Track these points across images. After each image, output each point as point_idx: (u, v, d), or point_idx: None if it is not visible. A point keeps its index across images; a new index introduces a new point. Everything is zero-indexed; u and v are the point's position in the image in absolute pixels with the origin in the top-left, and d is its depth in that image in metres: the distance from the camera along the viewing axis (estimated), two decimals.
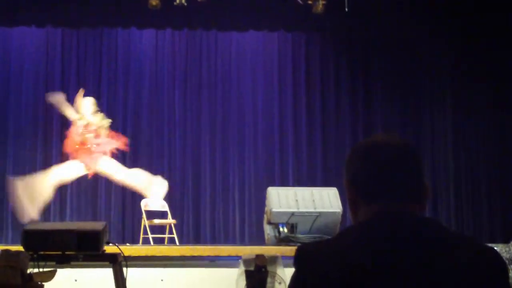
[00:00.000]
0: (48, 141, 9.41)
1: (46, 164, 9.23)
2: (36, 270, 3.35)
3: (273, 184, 8.39)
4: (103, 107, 9.49)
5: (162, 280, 5.13)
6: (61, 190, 9.24)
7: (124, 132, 9.46)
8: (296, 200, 6.28)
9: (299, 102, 9.76)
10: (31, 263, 3.39)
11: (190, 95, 9.69)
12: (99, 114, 8.12)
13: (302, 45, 9.89)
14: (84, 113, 7.97)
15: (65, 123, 9.18)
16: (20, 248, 3.59)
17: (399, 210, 1.67)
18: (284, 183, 9.22)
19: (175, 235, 8.42)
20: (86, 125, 7.94)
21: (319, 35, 9.89)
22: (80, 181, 9.27)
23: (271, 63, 9.83)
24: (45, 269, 3.36)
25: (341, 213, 6.22)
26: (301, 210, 6.17)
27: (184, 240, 8.93)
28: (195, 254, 5.29)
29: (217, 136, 9.63)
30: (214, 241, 9.17)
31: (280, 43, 9.88)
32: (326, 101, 9.80)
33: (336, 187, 6.60)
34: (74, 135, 7.93)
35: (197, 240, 9.22)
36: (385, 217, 1.66)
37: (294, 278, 1.69)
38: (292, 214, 6.11)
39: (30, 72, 9.52)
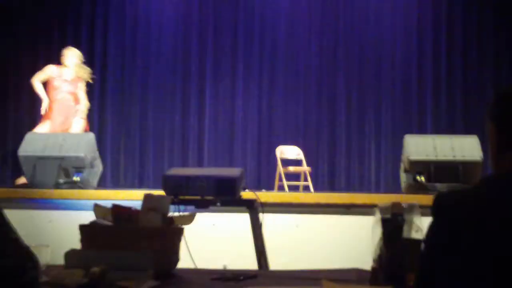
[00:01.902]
0: (187, 93, 9.66)
1: (184, 111, 9.53)
2: (176, 213, 3.45)
3: (411, 132, 8.21)
4: (239, 57, 9.62)
5: (297, 226, 5.18)
6: (199, 137, 9.53)
7: (260, 79, 9.57)
8: (435, 148, 6.11)
9: (439, 48, 9.44)
10: (172, 207, 3.50)
11: (326, 44, 9.60)
12: (83, 66, 7.97)
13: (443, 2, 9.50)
14: (69, 64, 7.86)
15: (203, 83, 9.42)
16: (161, 192, 3.71)
17: None
18: (422, 130, 9.00)
19: (310, 183, 8.48)
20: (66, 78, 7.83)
21: None
22: (217, 129, 9.51)
23: (411, 10, 9.54)
24: (185, 213, 3.46)
25: (481, 162, 5.99)
26: (439, 158, 6.01)
27: (318, 187, 8.97)
28: (330, 201, 5.29)
29: (353, 84, 9.51)
30: (349, 188, 9.15)
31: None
32: (467, 47, 9.39)
33: (477, 135, 6.36)
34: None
35: (332, 187, 9.23)
36: None
37: (432, 227, 1.65)
38: (430, 162, 5.96)
39: (169, 28, 9.74)
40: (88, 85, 8.33)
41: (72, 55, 7.84)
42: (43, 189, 5.91)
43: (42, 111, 7.78)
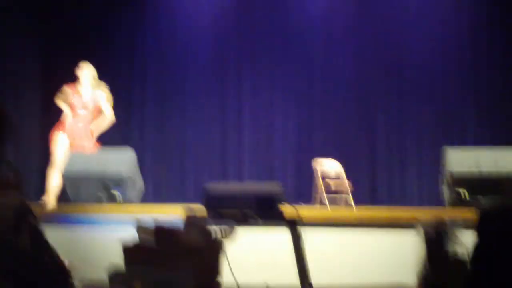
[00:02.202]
0: (225, 104, 9.69)
1: (223, 123, 9.58)
2: (216, 229, 3.46)
3: (452, 143, 8.10)
4: (277, 70, 9.63)
5: (338, 241, 5.14)
6: (239, 150, 9.55)
7: (298, 92, 9.55)
8: (477, 160, 6.03)
9: (480, 58, 9.30)
10: (212, 222, 3.51)
11: (365, 55, 9.53)
12: (98, 81, 7.82)
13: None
14: (84, 80, 7.73)
15: (241, 96, 9.45)
16: (201, 207, 3.72)
17: None
18: (463, 142, 8.88)
19: (350, 196, 8.41)
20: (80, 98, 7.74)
21: None
22: (256, 142, 9.51)
23: (449, 19, 9.42)
24: (225, 228, 3.46)
25: None
26: (482, 170, 5.92)
27: (359, 201, 8.89)
28: (372, 216, 5.24)
29: (392, 95, 9.44)
30: (390, 202, 9.05)
31: None
32: (508, 54, 9.25)
33: None
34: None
35: (373, 201, 9.15)
36: None
37: (475, 241, 1.62)
38: (473, 175, 5.88)
39: (206, 36, 9.80)
40: (125, 102, 8.33)
41: (86, 71, 7.78)
42: (85, 205, 5.97)
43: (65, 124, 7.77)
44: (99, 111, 7.83)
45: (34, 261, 1.59)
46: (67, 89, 7.80)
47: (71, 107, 7.73)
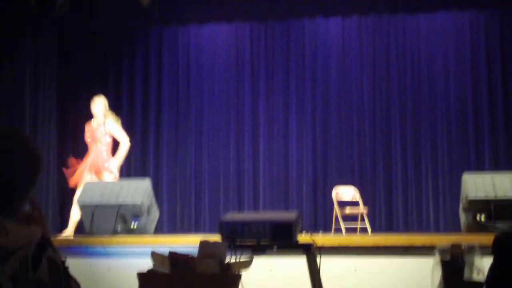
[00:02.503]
0: (240, 135, 9.72)
1: (239, 152, 9.60)
2: (233, 259, 3.45)
3: (468, 169, 8.06)
4: (292, 99, 9.67)
5: (355, 270, 5.11)
6: (254, 180, 9.55)
7: (313, 120, 9.57)
8: (494, 186, 5.99)
9: (494, 81, 9.27)
10: (229, 252, 3.51)
11: (379, 82, 9.55)
12: (109, 112, 7.86)
13: (496, 23, 9.38)
14: (96, 113, 7.79)
15: (257, 126, 9.48)
16: (216, 237, 3.72)
17: None
18: (479, 167, 8.83)
19: (367, 224, 8.37)
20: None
21: None
22: (272, 172, 9.51)
23: (463, 44, 9.42)
24: (242, 259, 3.46)
25: None
26: (499, 196, 5.88)
27: (376, 228, 8.85)
28: (388, 243, 5.21)
29: (407, 121, 9.42)
30: (407, 229, 9.00)
31: (472, 22, 9.44)
32: None
33: None
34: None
35: (390, 228, 9.10)
36: None
37: (492, 267, 1.61)
38: (489, 201, 5.85)
39: (221, 68, 9.88)
40: (142, 131, 8.33)
41: (98, 104, 7.85)
42: (102, 236, 5.98)
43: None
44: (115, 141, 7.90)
45: None
46: (87, 127, 7.88)
47: (88, 142, 7.81)
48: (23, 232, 1.65)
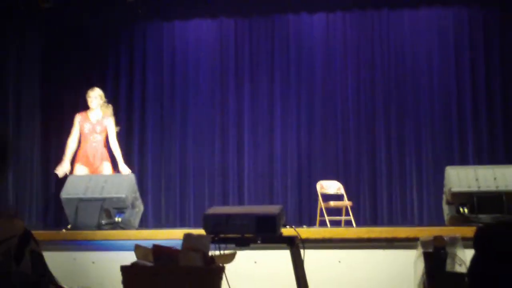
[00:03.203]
0: (225, 129, 9.72)
1: (223, 147, 9.61)
2: (217, 252, 3.46)
3: (452, 163, 8.11)
4: (277, 94, 9.68)
5: (339, 262, 5.13)
6: (239, 174, 9.56)
7: (298, 115, 9.59)
8: (477, 179, 6.03)
9: (477, 77, 9.33)
10: (213, 245, 3.51)
11: (363, 78, 9.58)
12: (106, 105, 7.94)
13: (480, 19, 9.43)
14: (94, 105, 7.84)
15: (241, 120, 9.49)
16: (201, 231, 3.73)
17: None
18: (463, 162, 8.89)
19: (351, 217, 8.42)
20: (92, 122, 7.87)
21: (497, 9, 9.36)
22: (256, 165, 9.53)
23: (447, 40, 9.47)
24: (226, 252, 3.46)
25: None
26: (482, 189, 5.92)
27: (360, 222, 8.90)
28: (372, 236, 5.24)
29: (392, 116, 9.46)
30: (391, 222, 9.05)
31: (456, 18, 9.49)
32: (506, 75, 9.28)
33: None
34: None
35: (374, 222, 9.15)
36: None
37: (474, 259, 1.62)
38: (472, 193, 5.89)
39: (206, 63, 9.87)
40: (126, 125, 8.37)
41: (95, 96, 7.88)
42: (86, 230, 5.97)
43: (57, 171, 7.77)
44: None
45: (34, 284, 1.64)
46: (78, 116, 7.90)
47: (83, 133, 7.83)
48: (5, 226, 1.65)
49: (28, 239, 1.67)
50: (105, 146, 7.91)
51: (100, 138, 7.86)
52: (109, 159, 7.86)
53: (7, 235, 1.63)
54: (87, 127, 7.83)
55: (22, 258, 1.62)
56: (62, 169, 7.68)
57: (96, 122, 7.84)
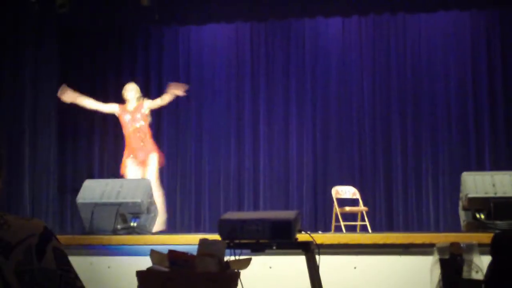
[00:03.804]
0: (241, 134, 9.72)
1: (239, 152, 9.62)
2: (232, 258, 3.46)
3: (469, 168, 8.06)
4: (292, 98, 9.68)
5: (354, 268, 5.11)
6: (254, 180, 9.55)
7: (314, 120, 9.58)
8: (493, 185, 5.99)
9: (495, 83, 9.27)
10: (228, 251, 3.51)
11: (379, 82, 9.56)
12: (142, 98, 8.12)
13: (496, 24, 9.37)
14: (130, 98, 8.04)
15: (257, 125, 9.51)
16: (216, 236, 3.72)
17: None
18: (480, 167, 8.83)
19: (367, 223, 8.39)
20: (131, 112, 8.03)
21: None
22: (272, 170, 9.52)
23: (464, 45, 9.43)
24: (241, 257, 3.46)
25: None
26: (498, 195, 5.88)
27: (376, 227, 8.86)
28: (388, 241, 5.21)
29: (408, 121, 9.42)
30: (407, 228, 9.00)
31: (473, 22, 9.44)
32: None
33: None
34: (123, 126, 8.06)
35: (390, 227, 9.11)
36: None
37: (491, 266, 1.61)
38: (489, 199, 5.85)
39: (221, 68, 9.89)
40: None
41: (131, 89, 8.08)
42: (102, 235, 5.98)
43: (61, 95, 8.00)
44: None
45: (60, 279, 1.65)
46: (114, 105, 8.12)
47: (124, 124, 8.02)
48: (25, 224, 1.66)
49: (50, 236, 1.68)
50: (148, 135, 8.07)
51: (143, 125, 8.01)
52: (155, 150, 8.04)
53: (27, 234, 1.64)
54: (127, 118, 8.00)
55: (44, 255, 1.63)
56: (67, 94, 7.94)
57: (134, 110, 8.01)
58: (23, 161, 8.75)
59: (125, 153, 8.08)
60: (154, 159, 7.99)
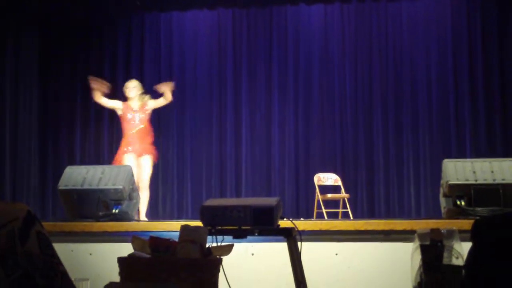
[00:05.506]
0: (223, 121, 9.71)
1: (221, 139, 9.59)
2: (214, 244, 3.46)
3: (449, 156, 8.12)
4: (275, 85, 9.67)
5: (336, 254, 5.14)
6: (237, 166, 9.56)
7: (296, 107, 9.58)
8: (474, 172, 6.02)
9: (475, 70, 9.33)
10: (210, 237, 3.51)
11: (361, 69, 9.59)
12: (144, 96, 8.09)
13: (478, 10, 9.41)
14: (132, 96, 8.01)
15: (239, 112, 9.48)
16: (199, 223, 3.72)
17: None
18: (460, 154, 8.89)
19: (348, 209, 8.43)
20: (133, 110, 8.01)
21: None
22: (254, 157, 9.52)
23: (445, 32, 9.46)
24: (223, 243, 3.46)
25: None
26: (479, 182, 5.92)
27: (358, 214, 8.91)
28: (369, 228, 5.24)
29: (389, 108, 9.46)
30: (388, 215, 9.06)
31: (453, 9, 9.47)
32: (504, 67, 9.27)
33: None
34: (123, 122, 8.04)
35: (371, 214, 9.16)
36: None
37: (471, 252, 1.62)
38: (470, 186, 5.88)
39: (203, 54, 9.86)
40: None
41: (134, 87, 8.04)
42: (83, 222, 5.96)
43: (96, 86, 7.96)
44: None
45: (44, 263, 1.64)
46: (117, 102, 8.07)
47: (127, 121, 7.98)
48: (8, 208, 1.64)
49: (33, 220, 1.67)
50: (149, 136, 8.04)
51: (146, 125, 8.01)
52: (152, 152, 8.02)
53: (10, 218, 1.62)
54: (130, 117, 7.96)
55: (27, 239, 1.62)
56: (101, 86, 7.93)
57: (138, 109, 7.97)
58: (4, 149, 8.70)
59: (122, 146, 8.01)
60: (149, 162, 7.97)
